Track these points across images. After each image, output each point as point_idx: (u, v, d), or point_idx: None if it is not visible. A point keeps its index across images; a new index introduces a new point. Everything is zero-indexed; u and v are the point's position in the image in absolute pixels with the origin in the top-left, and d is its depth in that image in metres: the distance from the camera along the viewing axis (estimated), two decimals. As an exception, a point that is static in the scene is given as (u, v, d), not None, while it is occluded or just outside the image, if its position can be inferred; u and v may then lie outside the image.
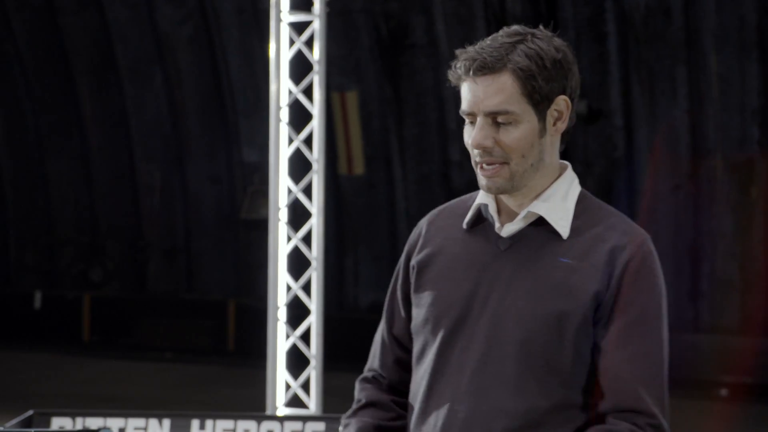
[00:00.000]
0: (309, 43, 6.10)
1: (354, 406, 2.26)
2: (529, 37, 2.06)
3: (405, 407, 2.19)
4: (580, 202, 2.12)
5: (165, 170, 14.13)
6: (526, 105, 2.03)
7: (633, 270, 2.03)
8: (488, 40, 2.06)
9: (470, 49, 2.06)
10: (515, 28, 2.10)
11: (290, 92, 5.99)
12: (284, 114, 5.97)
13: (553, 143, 2.11)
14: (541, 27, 2.11)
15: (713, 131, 11.45)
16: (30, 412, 3.89)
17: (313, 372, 6.09)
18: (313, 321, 6.08)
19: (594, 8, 11.53)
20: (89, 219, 14.68)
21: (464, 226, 2.15)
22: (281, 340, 6.04)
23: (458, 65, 2.06)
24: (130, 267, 14.53)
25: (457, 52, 2.07)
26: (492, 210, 2.12)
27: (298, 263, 6.26)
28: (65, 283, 14.74)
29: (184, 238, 14.18)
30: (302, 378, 6.07)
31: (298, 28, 6.11)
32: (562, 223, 2.07)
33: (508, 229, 2.09)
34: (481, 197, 2.14)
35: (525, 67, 2.02)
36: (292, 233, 6.13)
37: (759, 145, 11.35)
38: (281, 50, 5.97)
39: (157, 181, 14.19)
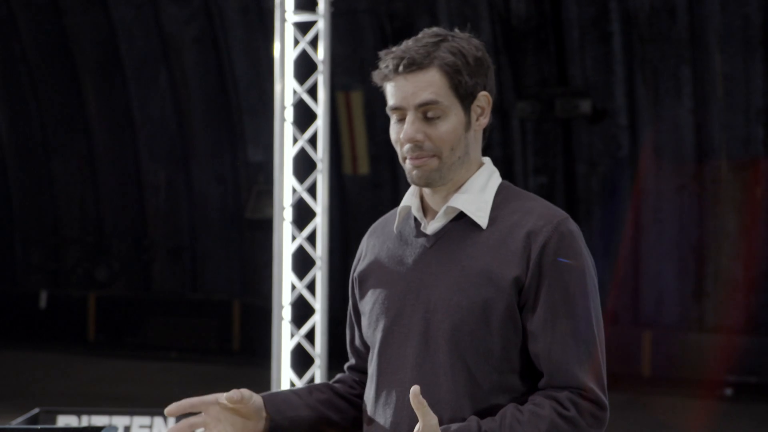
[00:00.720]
0: (313, 42, 6.11)
1: None
2: (449, 37, 2.14)
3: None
4: (500, 193, 2.17)
5: (170, 170, 14.15)
6: (453, 98, 2.11)
7: (551, 251, 2.06)
8: (411, 41, 2.13)
9: (395, 49, 2.13)
10: (435, 29, 2.17)
11: (295, 92, 6.00)
12: (289, 114, 5.98)
13: (476, 138, 2.18)
14: (456, 29, 2.19)
15: (718, 131, 11.45)
16: (36, 410, 3.91)
17: (317, 371, 6.11)
18: (318, 320, 6.10)
19: (598, 8, 11.53)
20: (95, 219, 14.70)
21: (394, 231, 2.23)
22: (286, 339, 6.05)
23: (385, 64, 2.12)
24: (136, 266, 14.55)
25: (382, 53, 2.14)
26: (416, 211, 2.20)
27: (302, 262, 6.27)
28: (71, 283, 14.77)
29: (190, 237, 14.20)
30: (307, 377, 6.09)
31: (303, 27, 6.12)
32: (480, 214, 2.13)
33: (432, 227, 2.16)
34: (405, 201, 2.23)
35: (451, 63, 2.10)
36: (296, 232, 6.14)
37: (763, 144, 11.35)
38: (286, 50, 5.97)
39: (162, 180, 14.22)
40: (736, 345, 11.16)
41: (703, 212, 11.58)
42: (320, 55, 6.04)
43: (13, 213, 15.10)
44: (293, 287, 6.13)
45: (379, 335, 2.18)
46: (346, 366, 2.39)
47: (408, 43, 2.13)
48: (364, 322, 2.25)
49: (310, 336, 6.13)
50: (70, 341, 13.76)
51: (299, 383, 6.06)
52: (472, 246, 2.11)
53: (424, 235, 2.17)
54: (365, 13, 12.41)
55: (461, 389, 2.07)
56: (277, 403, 2.21)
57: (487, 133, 2.23)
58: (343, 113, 12.46)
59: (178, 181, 14.14)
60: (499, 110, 12.25)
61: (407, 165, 2.13)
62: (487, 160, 2.23)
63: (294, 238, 6.16)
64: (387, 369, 2.16)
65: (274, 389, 6.03)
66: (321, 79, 6.03)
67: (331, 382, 2.38)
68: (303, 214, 6.39)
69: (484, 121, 2.18)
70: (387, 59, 2.12)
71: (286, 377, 6.07)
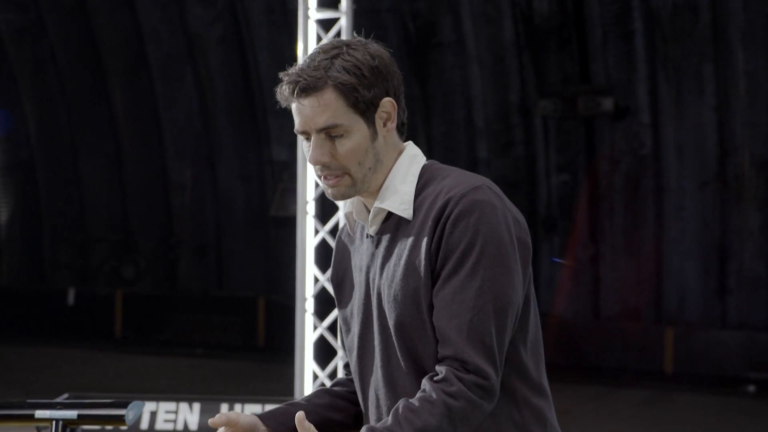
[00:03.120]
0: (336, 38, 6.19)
1: None
2: (344, 49, 2.13)
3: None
4: (422, 177, 2.18)
5: (196, 169, 14.26)
6: (353, 115, 2.11)
7: (450, 224, 2.07)
8: (308, 60, 2.14)
9: (292, 71, 2.13)
10: (331, 42, 2.18)
11: (318, 88, 6.06)
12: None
13: (387, 142, 2.17)
14: (354, 34, 2.21)
15: (740, 128, 11.43)
16: (65, 395, 4.01)
17: (340, 362, 6.17)
18: (341, 313, 6.16)
19: (621, 6, 11.54)
20: (121, 217, 14.83)
21: (351, 236, 2.29)
22: (309, 331, 6.13)
23: (283, 88, 2.14)
24: (162, 264, 14.67)
25: (281, 74, 2.15)
26: (359, 215, 2.24)
27: (325, 256, 6.33)
28: (98, 280, 14.90)
29: (215, 235, 14.30)
30: (329, 368, 6.16)
31: (326, 25, 6.19)
32: (403, 207, 2.14)
33: (371, 229, 2.20)
34: (347, 206, 2.28)
35: (345, 81, 2.09)
36: (319, 226, 6.22)
37: (787, 142, 11.35)
38: (309, 47, 6.05)
39: (187, 179, 14.32)
40: (758, 342, 11.15)
41: (725, 209, 11.57)
42: (342, 51, 6.11)
43: (41, 212, 15.27)
44: (316, 280, 6.21)
45: (355, 341, 2.24)
46: (343, 365, 2.44)
47: (303, 63, 2.14)
48: (344, 329, 2.31)
49: (332, 328, 6.19)
50: (98, 338, 13.88)
51: (322, 375, 6.14)
52: (404, 239, 2.13)
53: (371, 236, 2.21)
54: (388, 12, 12.47)
55: (417, 381, 2.10)
56: (277, 416, 2.26)
57: (404, 128, 2.24)
58: (367, 112, 12.51)
59: (203, 179, 14.24)
60: (521, 108, 12.29)
61: (322, 183, 2.18)
62: (408, 145, 2.24)
63: (317, 231, 6.24)
64: (364, 372, 2.22)
65: (297, 381, 6.11)
66: (343, 75, 6.09)
67: (328, 387, 2.43)
68: (326, 209, 6.47)
69: (392, 125, 2.17)
70: (284, 83, 2.13)
71: (309, 369, 6.14)
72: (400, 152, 2.20)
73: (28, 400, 2.33)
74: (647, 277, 11.91)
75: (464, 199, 2.06)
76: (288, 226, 11.31)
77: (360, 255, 2.24)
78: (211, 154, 14.10)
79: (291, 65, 2.17)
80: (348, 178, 2.14)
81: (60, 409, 2.28)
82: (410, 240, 2.11)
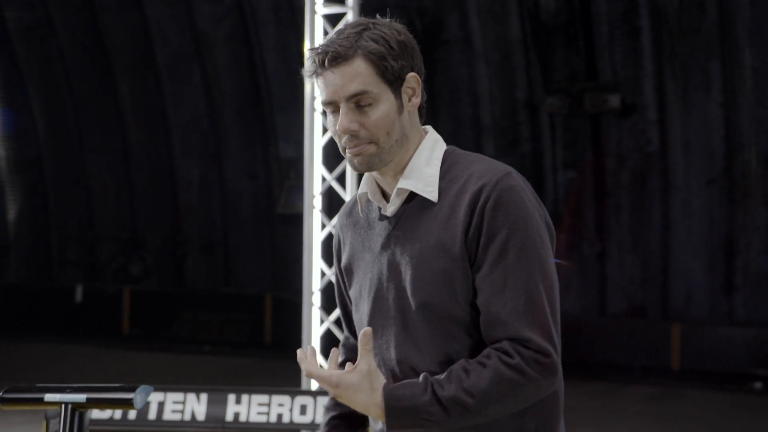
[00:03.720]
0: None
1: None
2: (371, 25, 2.17)
3: None
4: (445, 161, 2.21)
5: (203, 166, 14.29)
6: (382, 85, 2.14)
7: (489, 209, 2.08)
8: (334, 34, 2.17)
9: (319, 45, 2.17)
10: (356, 20, 2.20)
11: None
12: (318, 104, 6.08)
13: (412, 118, 2.21)
14: (378, 16, 2.23)
15: (747, 125, 11.42)
16: (74, 385, 4.02)
17: (346, 356, 6.19)
18: (347, 307, 6.18)
19: (627, 3, 11.54)
20: (129, 214, 14.87)
21: (361, 216, 2.30)
22: (316, 324, 6.16)
23: (312, 60, 2.16)
24: (169, 261, 14.70)
25: (308, 50, 2.19)
26: (372, 195, 2.25)
27: (332, 250, 6.36)
28: (106, 277, 14.95)
29: (222, 232, 14.33)
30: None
31: (332, 20, 6.22)
32: (429, 189, 2.16)
33: (390, 209, 2.21)
34: (361, 187, 2.29)
35: (375, 50, 2.12)
36: (326, 221, 6.25)
37: (793, 138, 11.34)
38: (315, 42, 6.08)
39: (195, 176, 14.36)
40: (765, 339, 11.14)
41: (732, 206, 11.57)
42: (349, 46, 6.13)
43: (49, 209, 15.32)
44: (323, 274, 6.23)
45: (365, 320, 2.25)
46: (341, 342, 2.45)
47: (332, 37, 2.17)
48: (352, 310, 2.33)
49: (339, 322, 6.22)
50: (105, 335, 13.93)
51: (327, 368, 6.15)
52: (427, 221, 2.15)
53: (386, 217, 2.21)
54: (395, 10, 12.37)
55: (442, 358, 2.12)
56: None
57: (423, 111, 2.26)
58: (374, 109, 12.53)
59: (210, 176, 14.27)
60: (528, 105, 12.30)
61: (347, 154, 2.18)
62: (429, 129, 2.28)
63: (324, 226, 6.27)
64: (377, 352, 2.23)
65: (304, 376, 6.14)
66: (350, 70, 6.11)
67: (327, 410, 2.46)
68: (333, 204, 6.50)
69: (417, 100, 2.21)
70: (313, 55, 2.16)
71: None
72: (423, 135, 2.23)
73: (38, 384, 2.35)
74: (654, 274, 11.91)
75: (500, 185, 2.09)
76: (295, 223, 11.34)
77: (371, 236, 2.24)
78: (218, 151, 14.13)
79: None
80: (374, 148, 2.14)
81: (69, 392, 2.30)
82: (438, 222, 2.12)
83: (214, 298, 13.91)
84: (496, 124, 12.43)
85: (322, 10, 6.15)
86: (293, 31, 12.67)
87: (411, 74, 2.18)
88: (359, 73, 2.12)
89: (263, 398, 4.26)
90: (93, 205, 15.02)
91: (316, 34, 6.08)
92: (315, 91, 6.08)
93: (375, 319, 2.23)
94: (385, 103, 2.14)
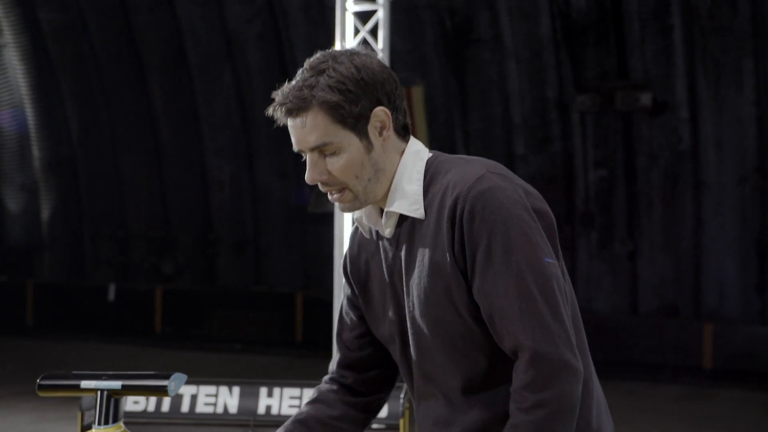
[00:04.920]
0: (373, 32, 6.24)
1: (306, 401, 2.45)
2: (330, 63, 2.10)
3: (356, 406, 2.36)
4: (427, 173, 2.15)
5: (234, 165, 14.36)
6: (343, 132, 2.09)
7: (467, 220, 2.04)
8: (295, 79, 2.13)
9: (280, 91, 2.12)
10: (317, 57, 2.14)
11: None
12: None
13: (386, 149, 2.14)
14: (344, 47, 2.18)
15: (780, 123, 11.36)
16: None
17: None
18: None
19: (659, 0, 11.50)
20: (161, 214, 14.97)
21: (368, 237, 2.25)
22: (346, 321, 6.16)
23: (273, 110, 2.13)
24: (201, 260, 14.79)
25: (273, 94, 2.15)
26: (369, 219, 2.21)
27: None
28: (138, 276, 15.06)
29: (253, 231, 14.40)
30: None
31: (363, 17, 6.24)
32: (414, 207, 2.13)
33: (387, 232, 2.18)
34: (356, 213, 2.24)
35: (328, 100, 2.07)
36: (357, 218, 6.26)
37: (827, 136, 11.25)
38: (346, 39, 6.11)
39: (226, 175, 14.43)
40: (799, 338, 11.06)
41: (765, 204, 11.49)
42: (380, 44, 6.16)
43: (82, 209, 15.45)
44: (354, 271, 6.24)
45: (386, 337, 2.25)
46: (329, 376, 2.40)
47: (290, 84, 2.12)
48: (372, 328, 2.30)
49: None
50: (138, 333, 14.02)
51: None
52: (421, 239, 2.12)
53: (389, 240, 2.18)
54: (426, 9, 12.51)
55: (467, 375, 2.11)
56: None
57: (408, 128, 2.19)
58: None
59: (242, 176, 14.34)
60: (559, 103, 12.27)
61: (329, 198, 2.17)
62: (410, 142, 2.19)
63: (354, 224, 6.28)
64: (408, 370, 2.23)
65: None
66: (380, 67, 6.13)
67: (305, 406, 2.40)
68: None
69: (389, 132, 2.13)
70: (273, 106, 2.13)
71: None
72: (402, 152, 2.16)
73: (74, 372, 2.38)
74: (686, 273, 11.85)
75: (471, 193, 2.04)
76: (326, 222, 11.38)
77: (380, 257, 2.21)
78: (249, 150, 14.19)
79: (281, 84, 2.17)
80: (349, 193, 2.12)
81: (105, 379, 2.34)
82: (429, 240, 2.10)
83: (246, 297, 13.97)
84: (526, 123, 12.42)
85: (352, 7, 6.17)
86: (324, 29, 12.71)
87: (378, 109, 2.10)
88: (317, 125, 2.08)
89: (295, 391, 4.29)
90: (125, 204, 15.14)
91: (347, 32, 6.11)
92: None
93: (394, 343, 2.22)
94: (349, 149, 2.10)
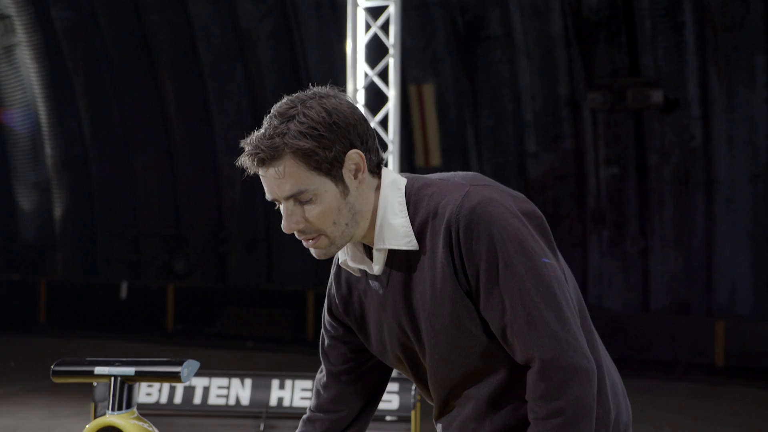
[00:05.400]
0: (385, 28, 6.25)
1: None
2: (299, 109, 2.04)
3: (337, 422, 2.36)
4: (409, 202, 2.11)
5: (246, 163, 14.38)
6: (317, 178, 2.04)
7: (463, 242, 2.02)
8: (264, 126, 2.06)
9: (249, 140, 2.06)
10: (284, 103, 2.08)
11: (366, 75, 6.12)
12: (360, 96, 6.12)
13: (361, 191, 2.09)
14: (311, 87, 2.12)
15: (792, 120, 11.34)
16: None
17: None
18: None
19: (670, -3, 11.50)
20: (173, 212, 15.01)
21: (359, 277, 2.21)
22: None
23: (244, 159, 2.07)
24: (212, 258, 14.82)
25: (242, 143, 2.07)
26: (354, 259, 2.17)
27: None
28: (150, 274, 15.10)
29: (265, 229, 14.42)
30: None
31: (374, 13, 6.25)
32: (406, 240, 2.09)
33: (376, 269, 2.14)
34: (339, 256, 2.21)
35: (302, 147, 2.01)
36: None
37: (840, 133, 11.22)
38: (357, 35, 6.12)
39: (238, 174, 14.39)
40: (811, 335, 11.04)
41: (777, 202, 11.48)
42: (391, 39, 6.17)
43: (94, 207, 15.51)
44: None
45: (397, 368, 2.24)
46: (306, 415, 2.39)
47: (259, 133, 2.06)
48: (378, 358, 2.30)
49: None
50: (149, 331, 14.06)
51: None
52: (418, 270, 2.09)
53: (376, 277, 2.15)
54: (437, 6, 12.51)
55: (486, 384, 2.11)
56: None
57: (381, 166, 2.14)
58: (415, 106, 12.57)
59: (253, 174, 14.36)
60: (570, 101, 12.26)
61: (304, 244, 2.12)
62: (384, 175, 2.13)
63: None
64: (421, 389, 2.25)
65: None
66: (392, 63, 6.15)
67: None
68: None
69: (364, 175, 2.08)
70: (244, 154, 2.06)
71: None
72: (378, 187, 2.12)
73: (88, 358, 2.40)
74: (697, 270, 11.83)
75: (462, 212, 2.02)
76: (337, 219, 11.39)
77: (373, 293, 2.18)
78: (261, 148, 14.21)
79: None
80: (324, 239, 2.07)
81: (118, 366, 2.35)
82: (426, 269, 2.07)
83: (257, 295, 13.99)
84: (537, 121, 12.41)
85: (363, 3, 6.17)
86: (335, 27, 12.73)
87: (351, 152, 2.05)
88: (290, 174, 2.02)
89: (307, 383, 4.30)
90: (137, 202, 15.19)
91: (358, 28, 6.12)
92: (356, 82, 6.12)
93: (408, 365, 2.21)
94: (325, 195, 2.05)
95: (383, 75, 6.22)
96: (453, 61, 12.67)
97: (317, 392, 2.39)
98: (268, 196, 2.08)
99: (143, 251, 15.22)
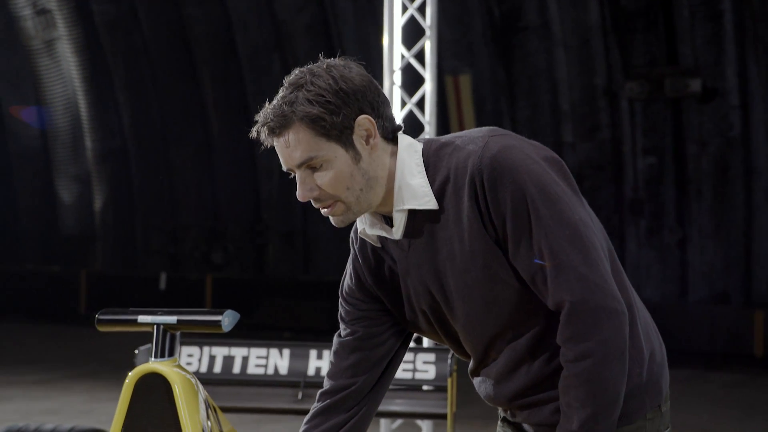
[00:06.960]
0: (421, 10, 6.28)
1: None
2: (307, 78, 2.07)
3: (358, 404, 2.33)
4: (427, 163, 2.13)
5: (283, 155, 14.46)
6: (328, 144, 2.07)
7: (489, 188, 2.03)
8: (276, 98, 2.11)
9: (262, 112, 2.12)
10: (294, 74, 2.11)
11: (402, 56, 6.14)
12: (397, 77, 6.14)
13: (374, 157, 2.11)
14: (321, 57, 2.15)
15: (833, 108, 11.24)
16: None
17: (425, 339, 6.24)
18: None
19: (709, -14, 11.44)
20: (211, 204, 15.13)
21: (376, 246, 2.22)
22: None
23: (257, 131, 2.13)
24: (250, 250, 14.93)
25: (256, 117, 2.13)
26: (372, 227, 2.18)
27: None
28: (189, 266, 15.23)
29: (302, 221, 14.50)
30: (412, 344, 6.22)
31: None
32: (426, 200, 2.10)
33: (397, 234, 2.14)
34: (359, 225, 2.22)
35: (309, 113, 2.05)
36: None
37: None
38: (394, 16, 6.13)
39: (275, 166, 14.51)
40: None
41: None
42: (428, 20, 6.19)
43: (134, 200, 15.67)
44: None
45: (430, 334, 2.25)
46: (324, 388, 2.37)
47: (271, 104, 2.11)
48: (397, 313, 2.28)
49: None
50: (188, 321, 14.17)
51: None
52: (441, 230, 2.10)
53: (397, 243, 2.15)
54: (474, -3, 12.53)
55: (526, 333, 2.11)
56: None
57: (398, 131, 2.16)
58: (452, 96, 12.59)
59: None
60: (607, 91, 12.23)
61: (322, 212, 2.15)
62: (400, 139, 2.15)
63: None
64: (455, 350, 2.26)
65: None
66: (428, 44, 6.17)
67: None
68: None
69: (376, 140, 2.10)
70: (258, 125, 2.12)
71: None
72: (394, 153, 2.14)
73: (131, 308, 2.46)
74: (736, 261, 11.76)
75: (484, 162, 2.03)
76: (374, 210, 11.44)
77: (396, 262, 2.19)
78: (298, 141, 14.28)
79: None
80: (341, 205, 2.10)
81: (161, 314, 2.41)
82: (452, 227, 2.08)
83: (294, 286, 14.08)
84: (574, 111, 12.39)
85: (400, -12, 6.18)
86: (372, 20, 12.77)
87: (361, 117, 2.08)
88: (300, 141, 2.06)
89: (344, 355, 4.33)
90: (176, 194, 15.32)
91: (395, 9, 6.14)
92: (393, 63, 6.14)
93: (440, 329, 2.22)
94: (336, 161, 2.08)
95: (420, 58, 6.24)
96: (489, 51, 12.68)
97: (334, 361, 2.38)
98: (284, 167, 2.11)
99: (182, 243, 15.36)
